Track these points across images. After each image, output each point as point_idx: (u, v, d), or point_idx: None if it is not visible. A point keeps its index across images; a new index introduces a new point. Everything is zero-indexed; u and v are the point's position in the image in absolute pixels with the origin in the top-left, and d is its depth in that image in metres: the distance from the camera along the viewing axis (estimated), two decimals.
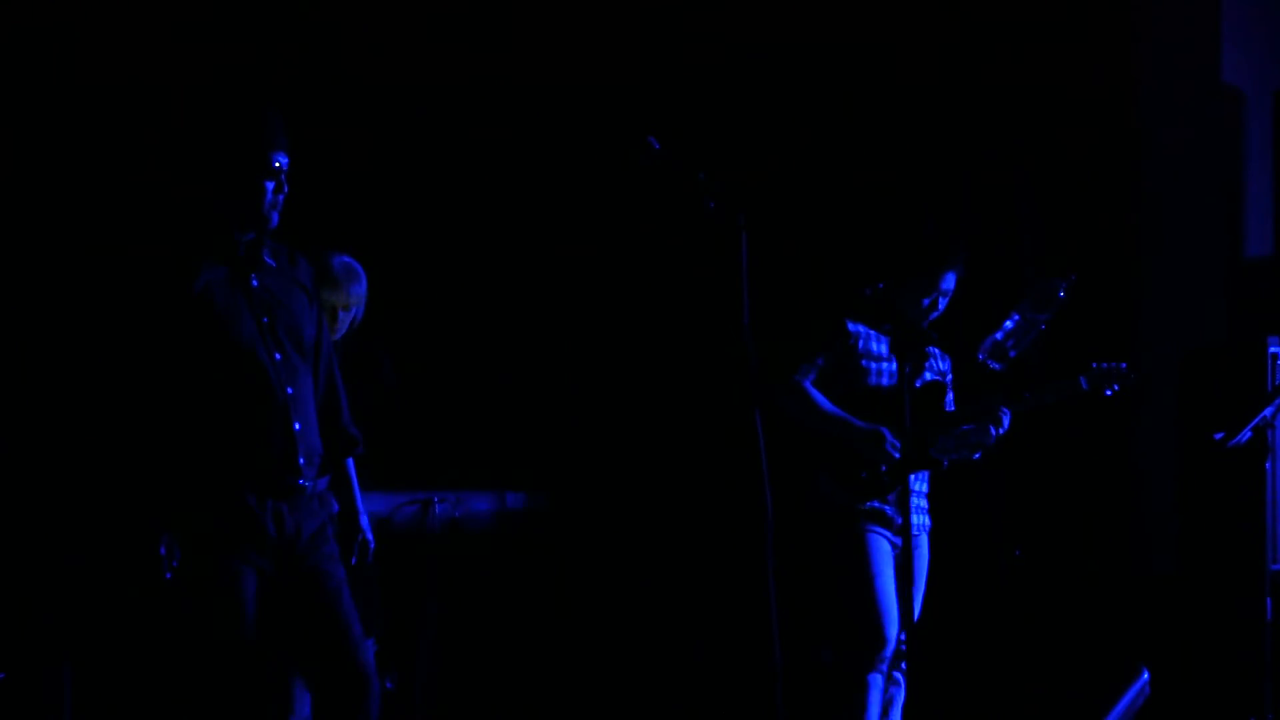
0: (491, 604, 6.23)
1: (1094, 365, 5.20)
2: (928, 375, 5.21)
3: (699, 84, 6.52)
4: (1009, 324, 4.97)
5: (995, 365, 4.95)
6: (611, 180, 6.18)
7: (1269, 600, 5.45)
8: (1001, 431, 5.09)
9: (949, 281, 5.12)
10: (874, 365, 5.15)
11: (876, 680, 5.06)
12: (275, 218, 4.01)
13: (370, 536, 4.39)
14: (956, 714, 6.16)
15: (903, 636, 5.15)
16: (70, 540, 5.58)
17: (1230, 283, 6.80)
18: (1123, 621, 6.50)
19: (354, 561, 4.30)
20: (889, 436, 5.02)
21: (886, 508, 5.11)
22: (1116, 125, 6.89)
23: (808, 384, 5.12)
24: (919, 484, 5.19)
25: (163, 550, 3.86)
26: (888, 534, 5.13)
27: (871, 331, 5.16)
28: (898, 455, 5.05)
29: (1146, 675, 5.53)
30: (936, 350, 5.30)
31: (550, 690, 6.40)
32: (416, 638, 5.49)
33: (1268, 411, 5.38)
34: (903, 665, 5.16)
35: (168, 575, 3.86)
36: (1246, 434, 5.36)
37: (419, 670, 5.46)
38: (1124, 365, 5.15)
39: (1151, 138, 6.89)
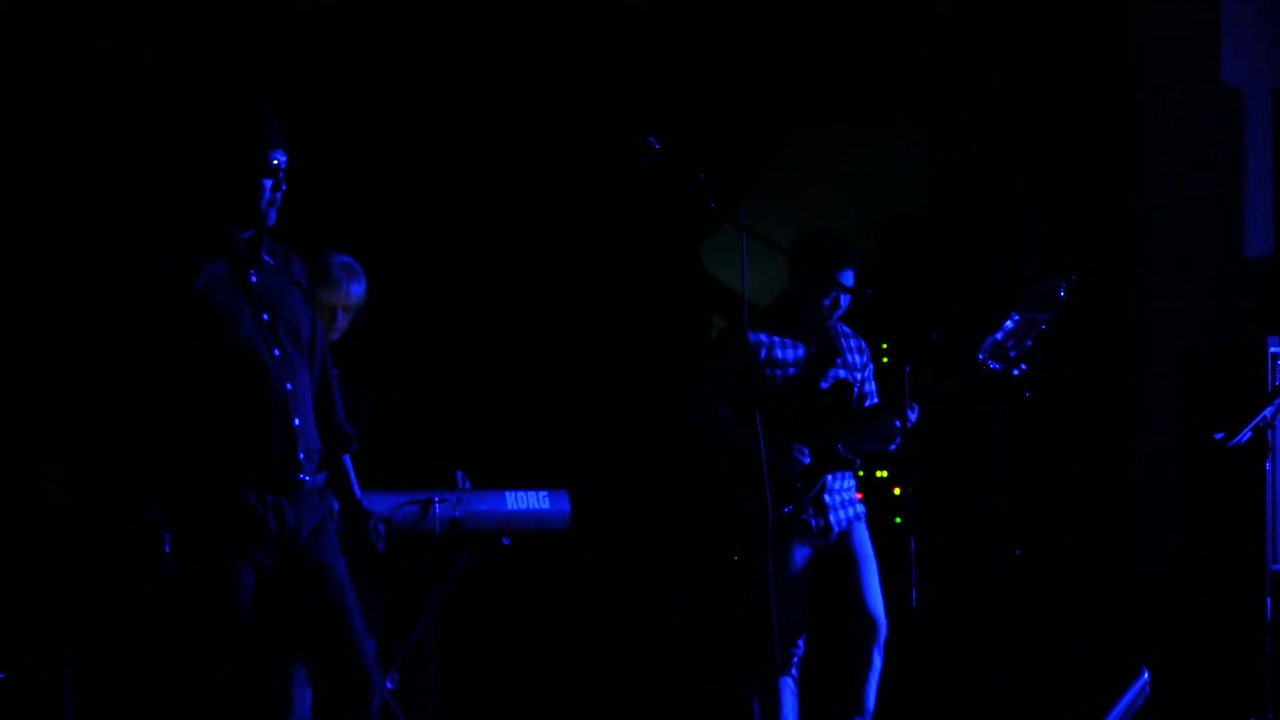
0: (492, 603, 6.23)
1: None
2: (840, 374, 5.30)
3: (698, 84, 6.52)
4: (1009, 324, 4.97)
5: (995, 365, 4.95)
6: (611, 180, 6.18)
7: (1269, 600, 5.45)
8: (909, 424, 5.13)
9: (847, 279, 5.20)
10: (780, 372, 5.23)
11: (787, 683, 5.21)
12: (273, 215, 4.03)
13: (379, 522, 4.39)
14: (957, 713, 6.16)
15: (877, 615, 5.26)
16: (70, 540, 5.58)
17: (1230, 283, 6.80)
18: (1123, 621, 6.49)
19: (380, 547, 4.30)
20: (795, 443, 5.15)
21: (804, 514, 5.20)
22: (1116, 125, 6.89)
23: (712, 399, 5.23)
24: (840, 482, 5.29)
25: (168, 548, 3.86)
26: (810, 540, 5.20)
27: (775, 338, 5.25)
28: (806, 460, 5.13)
29: (1146, 675, 5.53)
30: (855, 344, 5.41)
31: (551, 690, 6.39)
32: (417, 638, 5.49)
33: (1268, 411, 5.38)
34: (880, 639, 5.26)
35: (171, 572, 3.87)
36: (1246, 434, 5.36)
37: (419, 670, 5.45)
38: (1030, 342, 5.16)
39: (1151, 138, 6.89)
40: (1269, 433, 5.45)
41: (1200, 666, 6.12)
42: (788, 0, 6.59)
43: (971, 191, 6.78)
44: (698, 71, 6.53)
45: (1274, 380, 5.92)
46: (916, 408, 5.16)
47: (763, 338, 5.25)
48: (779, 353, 5.26)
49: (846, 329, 5.43)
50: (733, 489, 5.24)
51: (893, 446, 5.29)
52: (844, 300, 5.26)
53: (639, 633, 6.49)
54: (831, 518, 5.25)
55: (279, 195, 4.01)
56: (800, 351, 5.30)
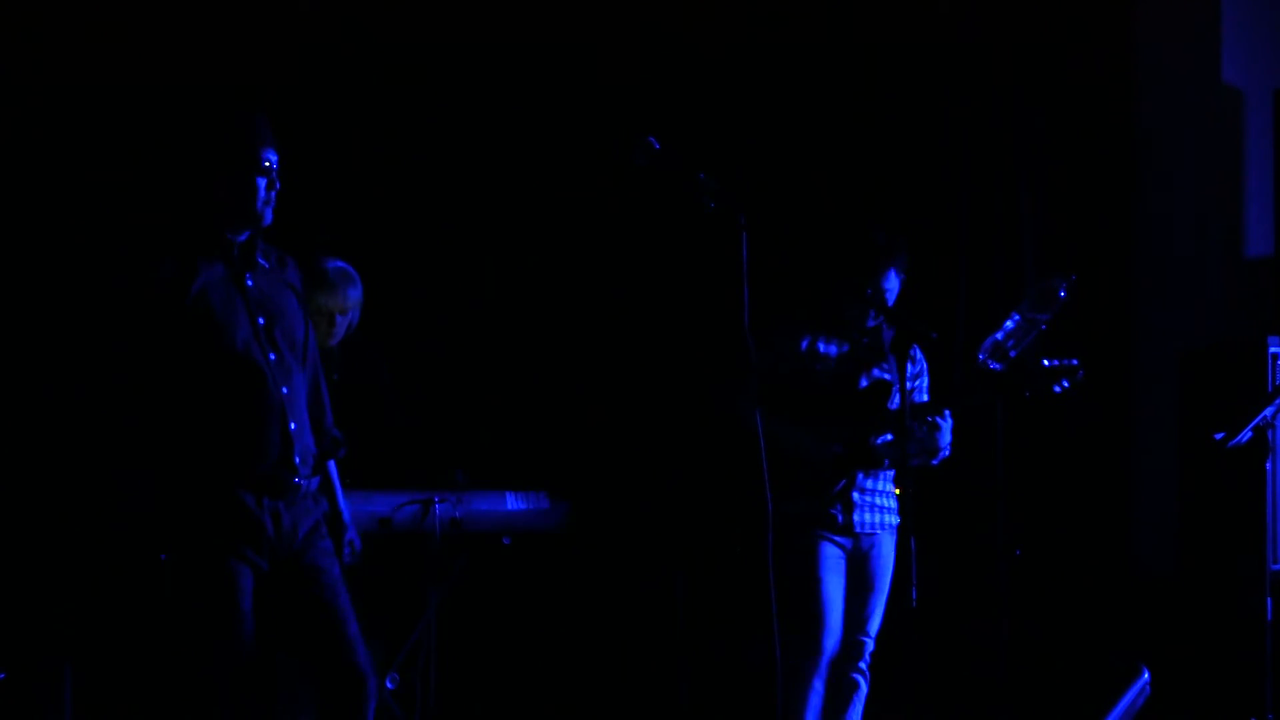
0: (492, 603, 6.23)
1: (1044, 363, 5.21)
2: (881, 375, 5.24)
3: (699, 84, 6.52)
4: (1009, 324, 4.96)
5: (995, 365, 4.95)
6: (611, 180, 6.18)
7: (1269, 600, 5.45)
8: (944, 434, 5.11)
9: (889, 280, 5.15)
10: (820, 367, 5.18)
11: (817, 685, 5.12)
12: (269, 215, 4.02)
13: (355, 535, 4.40)
14: (957, 714, 6.16)
15: (865, 637, 5.20)
16: (70, 540, 5.58)
17: (1230, 283, 6.80)
18: (1123, 621, 6.49)
19: (348, 560, 4.30)
20: (829, 435, 5.08)
21: (831, 509, 5.14)
22: (1116, 125, 6.89)
23: (754, 392, 5.10)
24: (880, 483, 5.23)
25: (168, 552, 3.86)
26: (835, 537, 5.16)
27: (819, 333, 5.20)
28: (838, 450, 5.10)
29: (1146, 675, 5.53)
30: (914, 350, 5.30)
31: (551, 690, 6.39)
32: (416, 638, 5.49)
33: (1268, 411, 5.39)
34: (862, 665, 5.20)
35: (171, 573, 3.87)
36: (1246, 434, 5.37)
37: (419, 670, 5.46)
38: (1074, 361, 5.15)
39: (1151, 138, 6.89)
40: (1269, 433, 5.46)
41: (1200, 666, 6.12)
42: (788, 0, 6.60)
43: (972, 191, 6.79)
44: (698, 71, 6.53)
45: (1274, 380, 5.92)
46: (949, 416, 5.12)
47: (806, 332, 5.20)
48: (821, 347, 5.20)
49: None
50: (766, 490, 5.18)
51: (935, 461, 5.20)
52: (885, 298, 5.15)
53: (639, 633, 6.49)
54: (855, 516, 5.17)
55: (273, 194, 4.01)
56: (842, 348, 5.26)
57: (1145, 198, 6.89)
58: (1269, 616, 5.45)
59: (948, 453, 5.19)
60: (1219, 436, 5.36)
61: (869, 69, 6.68)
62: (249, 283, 4.02)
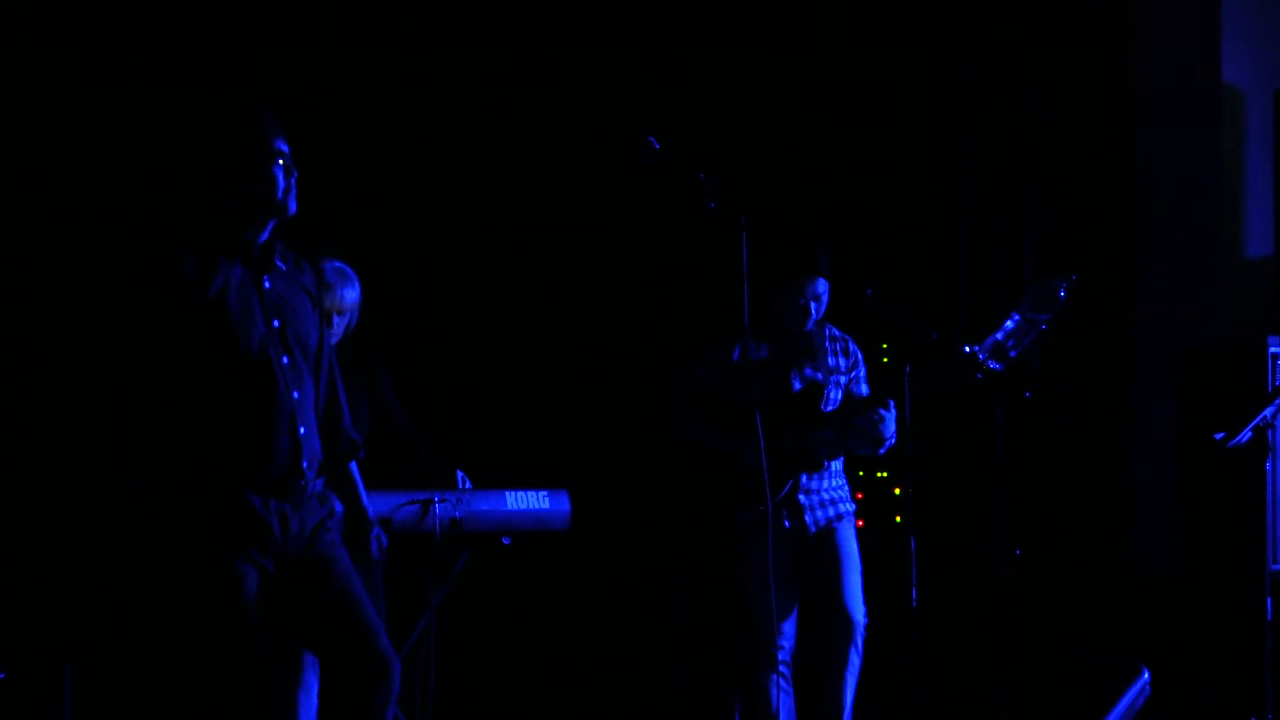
0: (492, 603, 6.23)
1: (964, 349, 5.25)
2: (811, 375, 5.30)
3: (699, 84, 6.52)
4: (1009, 324, 4.97)
5: (995, 365, 4.95)
6: (612, 180, 6.18)
7: (1269, 600, 5.45)
8: (888, 424, 5.18)
9: (818, 286, 5.23)
10: (753, 374, 5.22)
11: (776, 681, 5.20)
12: (293, 203, 4.00)
13: (381, 531, 4.39)
14: (957, 713, 6.16)
15: (853, 613, 5.26)
16: (70, 540, 5.58)
17: (1230, 283, 6.80)
18: (1123, 621, 6.49)
19: (376, 556, 4.30)
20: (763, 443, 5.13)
21: (779, 515, 5.19)
22: (1117, 125, 6.89)
23: (695, 405, 5.27)
24: (822, 482, 5.29)
25: (172, 549, 3.86)
26: (784, 541, 5.20)
27: (750, 340, 5.26)
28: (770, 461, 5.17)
29: (1146, 675, 5.53)
30: (839, 346, 5.41)
31: (551, 690, 6.39)
32: (416, 638, 5.49)
33: (1268, 411, 5.39)
34: (856, 638, 5.25)
35: (174, 572, 3.87)
36: (1246, 434, 5.37)
37: (419, 670, 5.46)
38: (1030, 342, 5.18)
39: (1151, 138, 6.89)
40: (1269, 433, 5.46)
41: (1200, 666, 6.12)
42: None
43: (972, 191, 6.79)
44: (698, 71, 6.53)
45: (1274, 380, 5.93)
46: (892, 406, 5.17)
47: (738, 340, 5.24)
48: (753, 354, 5.26)
49: (836, 331, 5.42)
50: (716, 493, 5.26)
51: (882, 450, 5.27)
52: (814, 307, 5.25)
53: (639, 633, 6.49)
54: (807, 518, 5.26)
55: (293, 181, 4.00)
56: (774, 353, 5.30)
57: (1145, 198, 6.89)
58: (1269, 616, 5.45)
59: (894, 440, 5.27)
60: (1219, 436, 5.36)
61: (868, 69, 6.68)
62: (266, 285, 4.01)
